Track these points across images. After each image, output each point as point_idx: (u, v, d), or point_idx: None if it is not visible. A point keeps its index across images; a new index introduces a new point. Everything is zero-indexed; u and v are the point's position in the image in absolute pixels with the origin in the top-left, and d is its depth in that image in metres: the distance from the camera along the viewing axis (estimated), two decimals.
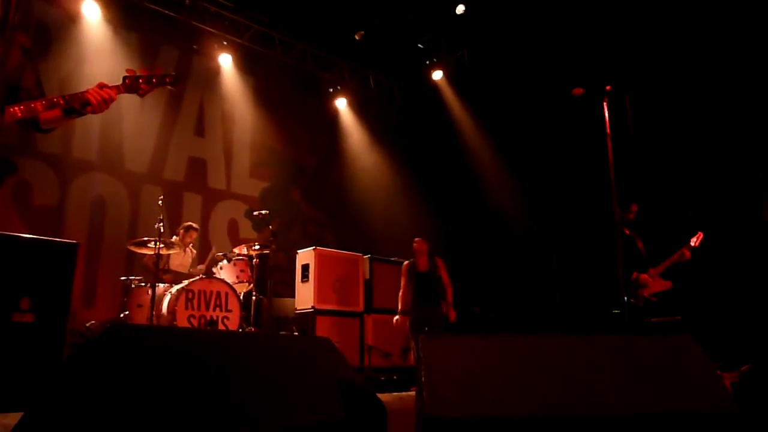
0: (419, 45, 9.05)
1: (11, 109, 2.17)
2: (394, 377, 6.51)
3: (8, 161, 6.40)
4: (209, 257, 6.50)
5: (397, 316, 6.24)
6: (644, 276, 5.09)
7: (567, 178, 7.20)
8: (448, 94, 9.33)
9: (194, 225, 6.66)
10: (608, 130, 3.53)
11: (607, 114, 3.53)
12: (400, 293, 6.31)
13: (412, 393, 5.66)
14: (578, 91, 3.65)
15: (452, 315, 6.03)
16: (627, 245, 5.05)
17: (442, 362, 1.46)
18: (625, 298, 4.53)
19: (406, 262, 6.37)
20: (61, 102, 2.30)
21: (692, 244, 5.00)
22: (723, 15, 5.62)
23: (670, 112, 5.98)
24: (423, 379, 1.42)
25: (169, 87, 2.64)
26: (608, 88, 3.57)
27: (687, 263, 5.04)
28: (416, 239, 6.37)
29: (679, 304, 4.92)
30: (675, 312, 4.88)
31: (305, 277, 6.78)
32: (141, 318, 5.54)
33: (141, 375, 1.23)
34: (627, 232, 5.27)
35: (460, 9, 8.00)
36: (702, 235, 4.87)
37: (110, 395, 1.27)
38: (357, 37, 8.41)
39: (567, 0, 6.90)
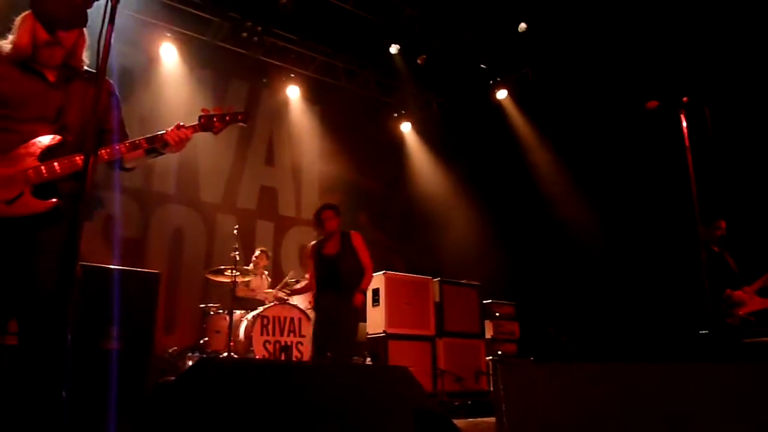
0: (481, 65, 9.01)
1: (99, 152, 2.32)
2: (468, 402, 6.38)
3: (97, 197, 6.85)
4: (283, 282, 6.65)
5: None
6: (739, 293, 4.79)
7: (644, 195, 6.90)
8: (513, 112, 9.22)
9: (265, 249, 6.86)
10: (687, 143, 3.38)
11: (685, 126, 3.38)
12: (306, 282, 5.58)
13: (487, 420, 5.52)
14: (653, 104, 3.51)
15: (358, 299, 4.87)
16: (716, 263, 4.77)
17: (523, 392, 1.42)
18: (721, 317, 4.27)
19: (312, 243, 5.25)
20: (144, 144, 2.44)
21: None
22: None
23: (753, 122, 5.65)
24: (503, 410, 1.38)
25: (240, 124, 2.75)
26: (685, 99, 3.42)
27: None
28: (326, 210, 5.06)
29: None
30: None
31: (376, 301, 6.80)
32: (219, 344, 5.71)
33: (228, 410, 1.26)
34: (716, 249, 4.99)
35: (522, 27, 7.92)
36: None
37: (199, 428, 1.31)
38: (419, 62, 8.48)
39: (635, 9, 6.69)
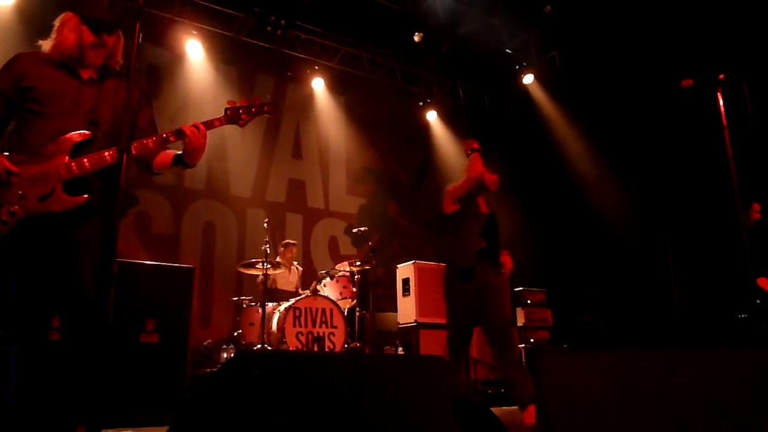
0: (507, 51, 8.88)
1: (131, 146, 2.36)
2: (502, 390, 6.34)
3: (130, 194, 6.98)
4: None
5: None
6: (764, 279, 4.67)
7: (680, 177, 6.73)
8: (541, 96, 9.08)
9: (291, 241, 6.91)
10: (725, 122, 3.26)
11: (722, 105, 3.27)
12: None
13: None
14: (687, 82, 3.40)
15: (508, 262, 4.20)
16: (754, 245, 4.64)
17: (564, 383, 1.40)
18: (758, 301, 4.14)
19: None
20: (172, 138, 2.47)
21: None
22: None
23: None
24: (544, 402, 1.36)
25: (267, 115, 2.76)
26: (722, 77, 3.31)
27: None
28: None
29: None
30: None
31: (406, 291, 6.80)
32: (252, 336, 5.79)
33: (266, 400, 1.27)
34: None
35: (548, 9, 7.77)
36: None
37: (241, 421, 1.33)
38: (443, 49, 8.40)
39: None
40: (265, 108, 2.71)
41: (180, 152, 2.54)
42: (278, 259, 6.54)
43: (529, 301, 7.60)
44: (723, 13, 5.98)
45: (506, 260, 4.13)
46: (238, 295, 6.70)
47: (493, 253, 4.09)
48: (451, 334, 4.05)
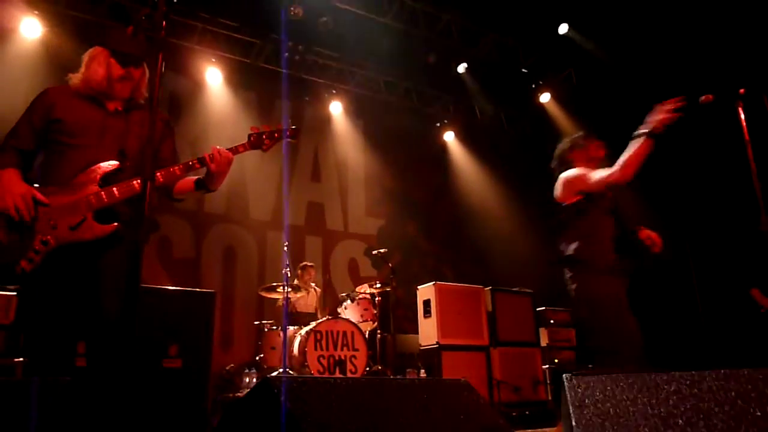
0: (523, 69, 8.91)
1: (155, 174, 2.41)
2: (527, 412, 6.24)
3: (152, 220, 7.09)
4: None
5: None
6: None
7: (703, 193, 6.63)
8: (557, 114, 9.06)
9: (309, 263, 6.93)
10: (747, 137, 3.22)
11: (743, 119, 3.22)
12: None
13: (548, 430, 5.38)
14: (707, 98, 3.37)
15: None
16: None
17: (590, 403, 1.37)
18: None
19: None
20: (197, 165, 2.52)
21: None
22: None
23: None
24: (571, 424, 1.33)
25: (290, 140, 2.80)
26: (742, 91, 3.27)
27: None
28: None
29: None
30: None
31: (427, 312, 6.75)
32: (274, 360, 5.78)
33: (294, 427, 1.27)
34: None
35: (563, 28, 7.80)
36: None
37: None
38: (459, 70, 8.44)
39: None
40: (289, 133, 2.75)
41: (201, 177, 2.59)
42: (296, 281, 6.56)
43: (552, 321, 7.49)
44: (740, 26, 5.93)
45: (651, 234, 3.42)
46: (260, 319, 6.71)
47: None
48: (625, 333, 3.19)
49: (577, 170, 3.53)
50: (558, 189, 3.56)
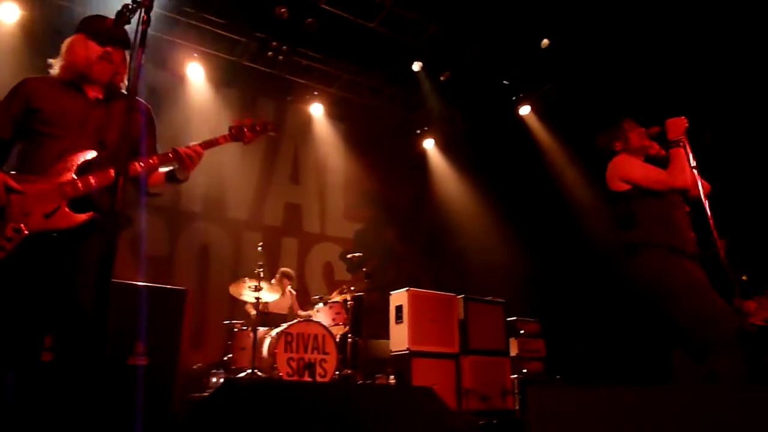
0: (504, 81, 9.00)
1: (133, 165, 2.39)
2: (494, 421, 6.27)
3: (127, 216, 6.97)
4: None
5: None
6: (748, 302, 4.73)
7: None
8: (537, 127, 9.17)
9: (290, 272, 6.89)
10: (695, 165, 3.27)
11: (689, 151, 3.27)
12: None
13: None
14: (654, 129, 3.44)
15: None
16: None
17: (554, 416, 1.39)
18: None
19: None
20: (171, 157, 2.50)
21: None
22: None
23: (756, 142, 5.55)
24: None
25: (271, 134, 2.80)
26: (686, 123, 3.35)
27: None
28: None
29: None
30: None
31: (399, 318, 6.76)
32: (244, 361, 5.72)
33: (257, 429, 1.26)
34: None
35: (545, 43, 7.91)
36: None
37: None
38: (443, 78, 8.50)
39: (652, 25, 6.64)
40: (269, 127, 2.76)
41: (172, 169, 2.57)
42: (273, 281, 6.51)
43: (522, 331, 7.56)
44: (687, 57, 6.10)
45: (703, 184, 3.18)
46: (231, 319, 6.65)
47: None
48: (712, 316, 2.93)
49: (621, 158, 3.50)
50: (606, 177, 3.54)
